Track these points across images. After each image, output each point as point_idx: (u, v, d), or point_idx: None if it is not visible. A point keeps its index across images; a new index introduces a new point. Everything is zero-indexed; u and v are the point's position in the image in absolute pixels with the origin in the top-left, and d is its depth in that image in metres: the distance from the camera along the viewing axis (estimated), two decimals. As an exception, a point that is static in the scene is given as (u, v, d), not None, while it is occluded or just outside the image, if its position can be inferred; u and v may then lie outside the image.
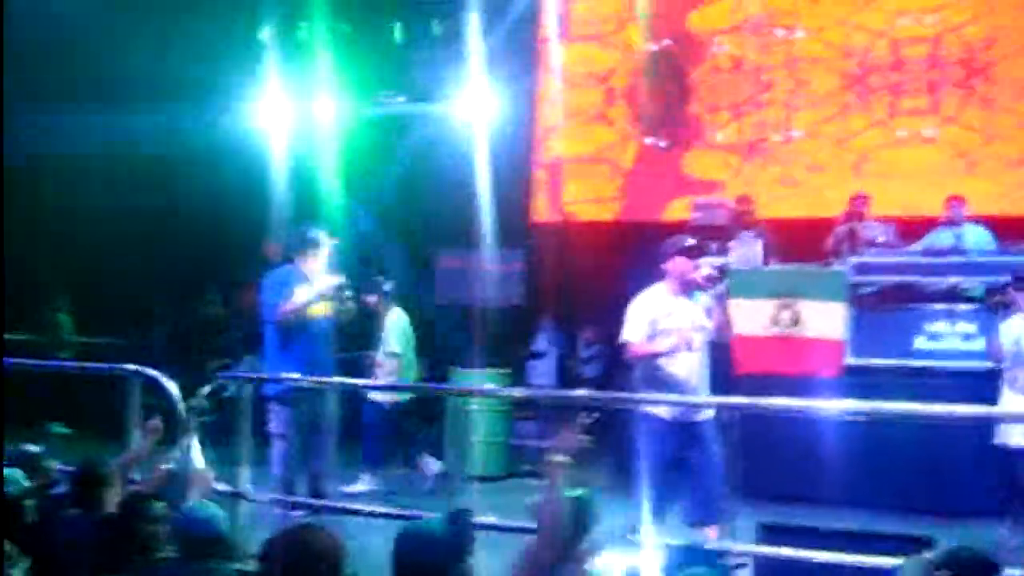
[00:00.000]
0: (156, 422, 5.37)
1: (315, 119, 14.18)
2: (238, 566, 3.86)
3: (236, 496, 5.59)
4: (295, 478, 6.87)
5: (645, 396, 5.70)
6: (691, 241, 5.97)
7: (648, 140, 13.28)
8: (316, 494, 6.86)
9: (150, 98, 12.51)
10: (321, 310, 6.91)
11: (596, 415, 3.84)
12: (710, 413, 5.58)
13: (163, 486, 4.89)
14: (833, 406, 6.24)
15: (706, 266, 5.96)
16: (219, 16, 13.19)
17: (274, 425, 6.88)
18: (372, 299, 8.78)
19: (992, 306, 6.32)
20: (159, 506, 3.97)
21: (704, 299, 5.88)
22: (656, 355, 5.68)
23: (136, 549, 3.91)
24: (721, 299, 6.19)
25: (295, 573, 2.83)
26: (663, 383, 5.66)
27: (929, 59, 12.04)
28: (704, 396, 5.72)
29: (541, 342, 12.43)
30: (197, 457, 5.58)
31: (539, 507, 3.47)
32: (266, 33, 13.97)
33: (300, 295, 6.81)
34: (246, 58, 13.87)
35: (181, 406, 5.93)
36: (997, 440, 6.44)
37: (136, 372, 6.16)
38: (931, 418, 6.01)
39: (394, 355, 8.76)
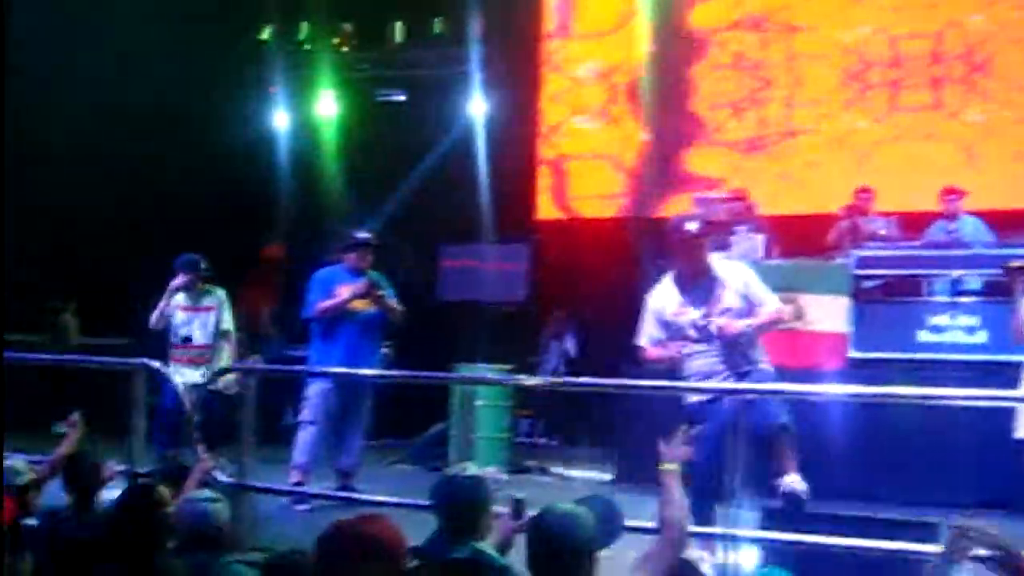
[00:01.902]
0: (74, 417, 5.38)
1: (316, 118, 14.25)
2: (240, 557, 3.86)
3: (241, 488, 5.59)
4: (312, 468, 7.13)
5: (647, 383, 5.62)
6: (692, 225, 5.55)
7: (649, 137, 13.30)
8: (343, 487, 7.00)
9: (154, 97, 12.53)
10: (363, 306, 7.14)
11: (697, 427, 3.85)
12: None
13: (55, 473, 4.89)
14: (843, 391, 6.21)
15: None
16: (220, 17, 13.22)
17: (304, 413, 7.21)
18: None
19: (1010, 274, 5.90)
20: (164, 492, 3.97)
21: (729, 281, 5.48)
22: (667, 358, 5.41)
23: (145, 540, 3.89)
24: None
25: (353, 563, 2.82)
26: (685, 379, 5.41)
27: (930, 55, 12.06)
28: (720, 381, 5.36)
29: (545, 342, 12.47)
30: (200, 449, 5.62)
31: (661, 512, 3.53)
32: (267, 33, 14.04)
33: (341, 293, 7.11)
34: (248, 58, 13.94)
35: (185, 399, 5.94)
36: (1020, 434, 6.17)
37: (142, 366, 6.17)
38: (940, 404, 6.05)
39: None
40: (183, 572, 3.71)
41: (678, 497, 3.59)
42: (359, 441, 7.35)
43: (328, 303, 7.17)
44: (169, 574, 3.71)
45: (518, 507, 3.78)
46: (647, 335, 5.56)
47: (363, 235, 7.48)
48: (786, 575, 3.00)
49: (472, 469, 3.84)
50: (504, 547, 3.68)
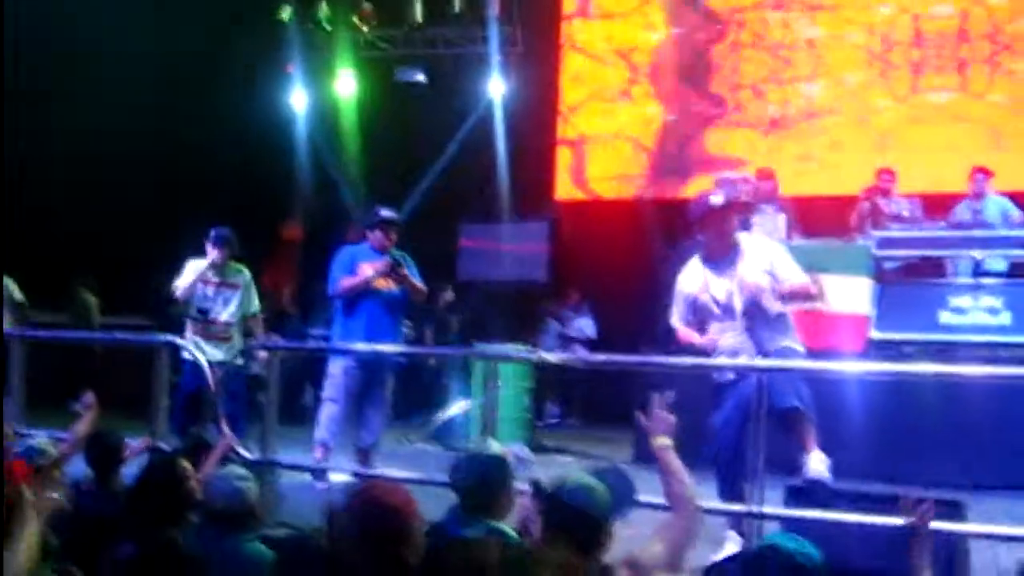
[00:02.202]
0: (89, 397, 5.36)
1: (335, 98, 14.25)
2: (266, 533, 3.87)
3: (266, 464, 5.61)
4: (333, 443, 7.13)
5: (662, 359, 5.55)
6: (717, 199, 5.43)
7: (671, 118, 13.26)
8: (363, 465, 7.02)
9: (172, 79, 12.55)
10: (385, 284, 7.16)
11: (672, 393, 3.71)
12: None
13: (75, 451, 4.90)
14: (863, 367, 6.15)
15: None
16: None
17: (327, 390, 7.21)
18: None
19: None
20: (187, 466, 3.98)
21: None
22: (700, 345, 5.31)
23: (166, 514, 3.89)
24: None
25: (367, 529, 2.81)
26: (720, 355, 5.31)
27: (955, 34, 11.98)
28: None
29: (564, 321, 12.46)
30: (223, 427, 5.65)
31: (668, 488, 3.47)
32: (285, 12, 14.01)
33: (364, 271, 7.11)
34: (267, 38, 13.92)
35: (209, 377, 5.97)
36: None
37: (165, 343, 6.19)
38: (961, 385, 6.02)
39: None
40: (201, 549, 3.70)
41: (679, 469, 3.50)
42: (380, 419, 7.35)
43: (351, 281, 7.16)
44: (186, 551, 3.71)
45: (539, 489, 3.73)
46: (679, 316, 5.49)
47: (387, 213, 7.42)
48: (793, 539, 2.99)
49: (494, 447, 3.80)
50: (524, 528, 3.59)
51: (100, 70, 12.23)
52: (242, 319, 7.68)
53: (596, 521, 3.10)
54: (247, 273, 7.77)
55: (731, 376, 5.27)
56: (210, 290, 7.57)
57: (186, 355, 7.03)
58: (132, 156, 12.72)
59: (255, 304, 7.79)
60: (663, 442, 3.56)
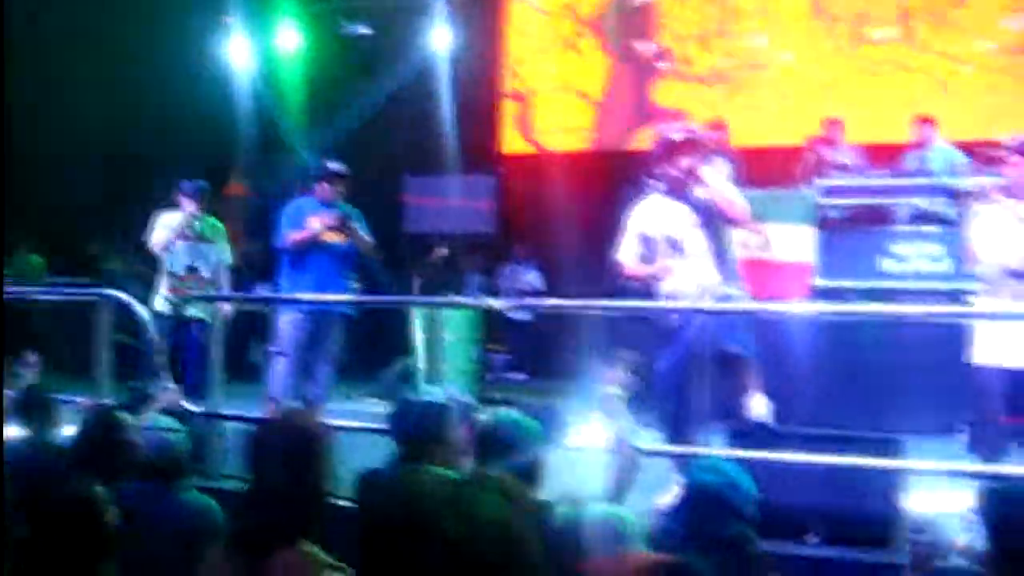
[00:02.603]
0: (32, 357, 5.31)
1: (278, 51, 14.05)
2: (208, 484, 3.85)
3: (211, 417, 5.59)
4: (284, 398, 7.06)
5: (607, 302, 5.53)
6: (677, 135, 5.40)
7: (617, 69, 13.24)
8: None
9: (103, 30, 12.25)
10: (334, 238, 7.10)
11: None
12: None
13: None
14: (804, 309, 6.22)
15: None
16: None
17: (275, 345, 7.19)
18: None
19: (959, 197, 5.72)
20: (126, 419, 3.95)
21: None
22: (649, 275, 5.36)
23: (106, 467, 3.86)
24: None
25: (280, 457, 2.80)
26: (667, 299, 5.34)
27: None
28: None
29: (503, 276, 12.48)
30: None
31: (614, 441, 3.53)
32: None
33: (312, 224, 7.04)
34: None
35: (152, 330, 5.92)
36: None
37: (106, 296, 6.11)
38: (901, 330, 6.11)
39: None
40: (137, 502, 3.67)
41: (623, 426, 3.60)
42: (327, 372, 7.33)
43: (299, 234, 7.08)
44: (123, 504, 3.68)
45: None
46: (628, 252, 5.47)
47: (334, 165, 7.33)
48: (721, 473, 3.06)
49: (436, 395, 3.79)
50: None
51: (28, 38, 11.89)
52: (218, 272, 7.69)
53: (527, 452, 3.14)
54: (221, 227, 7.75)
55: (676, 321, 5.27)
56: (186, 245, 7.56)
57: (161, 309, 7.06)
58: (63, 114, 12.39)
59: (228, 257, 7.80)
60: (614, 392, 3.67)
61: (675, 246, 5.35)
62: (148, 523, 3.47)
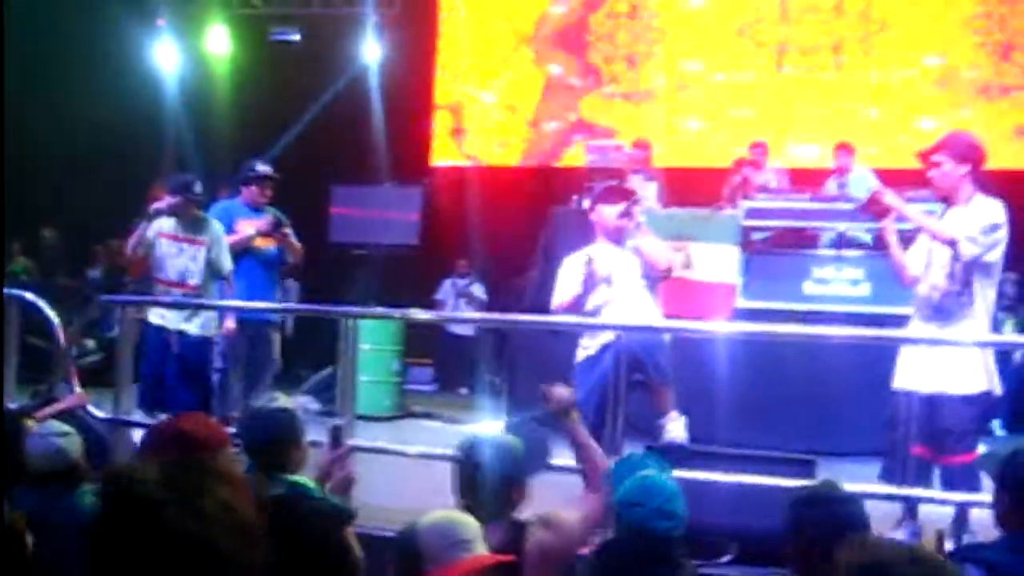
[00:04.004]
0: None
1: (207, 55, 13.86)
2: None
3: (120, 423, 5.43)
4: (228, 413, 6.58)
5: (534, 318, 5.52)
6: (608, 184, 5.84)
7: (548, 85, 13.29)
8: None
9: (31, 31, 11.95)
10: (264, 243, 6.87)
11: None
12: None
13: None
14: (723, 328, 6.27)
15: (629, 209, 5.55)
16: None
17: (215, 359, 6.80)
18: None
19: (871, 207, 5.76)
20: (23, 424, 3.82)
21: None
22: (579, 308, 5.40)
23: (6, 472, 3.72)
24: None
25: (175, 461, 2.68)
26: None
27: (831, 10, 12.25)
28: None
29: (443, 291, 12.39)
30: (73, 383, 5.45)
31: (583, 463, 3.49)
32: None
33: (242, 228, 6.80)
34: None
35: (60, 332, 5.75)
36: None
37: (13, 297, 5.92)
38: (821, 353, 6.14)
39: None
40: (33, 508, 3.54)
41: (591, 443, 3.59)
42: (264, 381, 6.97)
43: (231, 239, 6.75)
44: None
45: (336, 435, 3.59)
46: (566, 293, 5.49)
47: (263, 168, 7.09)
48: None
49: (281, 401, 3.64)
50: (324, 478, 3.48)
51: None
52: (210, 280, 6.66)
53: (506, 477, 3.16)
54: (217, 227, 6.72)
55: (592, 351, 5.37)
56: (174, 247, 6.55)
57: (154, 320, 6.47)
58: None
59: (226, 263, 6.70)
60: (572, 416, 3.60)
61: (607, 281, 5.43)
62: (42, 528, 3.33)
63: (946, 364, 4.76)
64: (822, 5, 12.28)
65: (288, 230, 6.96)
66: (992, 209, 4.76)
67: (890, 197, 5.12)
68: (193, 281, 6.55)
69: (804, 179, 10.16)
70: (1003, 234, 4.76)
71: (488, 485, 3.15)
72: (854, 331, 5.63)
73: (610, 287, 5.41)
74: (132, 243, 6.53)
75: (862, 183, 9.56)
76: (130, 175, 12.57)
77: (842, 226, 8.67)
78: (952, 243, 4.73)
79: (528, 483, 3.23)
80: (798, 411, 7.64)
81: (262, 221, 6.88)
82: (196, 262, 6.55)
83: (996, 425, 8.93)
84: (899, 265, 5.06)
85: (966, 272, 4.75)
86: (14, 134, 12.21)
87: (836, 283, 8.44)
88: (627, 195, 5.72)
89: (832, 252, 8.65)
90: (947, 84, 11.88)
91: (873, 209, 5.14)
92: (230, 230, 6.87)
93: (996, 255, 4.78)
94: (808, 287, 8.48)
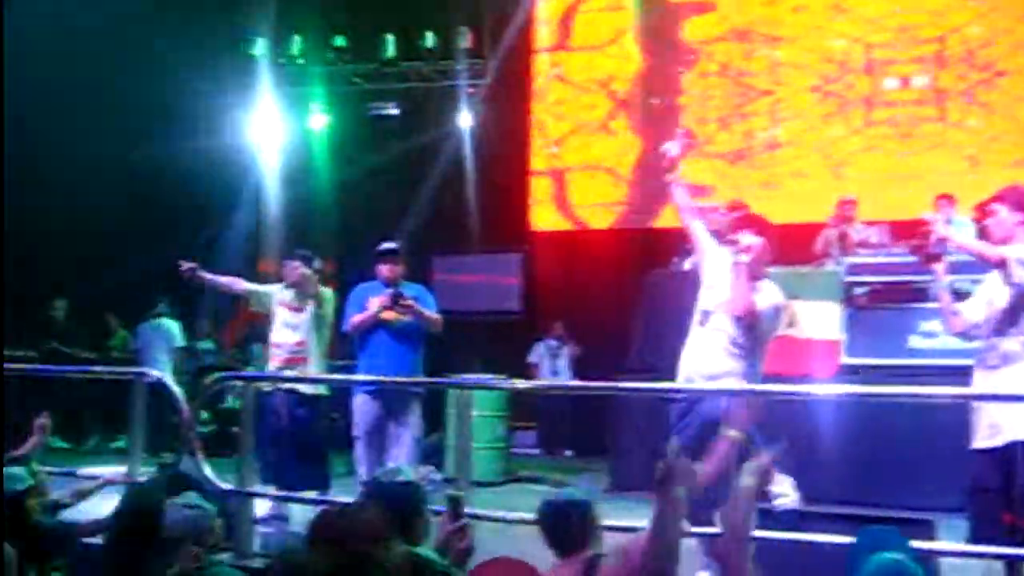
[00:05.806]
0: (41, 420, 5.36)
1: (309, 132, 14.32)
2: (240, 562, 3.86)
3: (238, 494, 5.61)
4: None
5: (632, 384, 5.55)
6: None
7: (645, 148, 13.44)
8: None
9: (140, 111, 12.42)
10: (394, 316, 7.09)
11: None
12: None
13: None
14: (828, 390, 6.19)
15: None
16: (212, 31, 13.22)
17: (354, 426, 7.10)
18: None
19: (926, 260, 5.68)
20: (161, 498, 4.01)
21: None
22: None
23: (137, 546, 3.88)
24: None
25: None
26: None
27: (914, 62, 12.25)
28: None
29: (536, 353, 12.50)
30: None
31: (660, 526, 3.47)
32: (259, 47, 14.08)
33: (372, 305, 7.07)
34: (239, 72, 13.96)
35: (186, 409, 5.98)
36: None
37: (140, 375, 6.19)
38: (930, 409, 6.07)
39: None
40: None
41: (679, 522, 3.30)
42: (403, 454, 6.98)
43: (360, 316, 7.13)
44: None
45: (455, 506, 3.64)
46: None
47: (385, 245, 7.32)
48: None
49: (405, 473, 3.72)
50: (444, 548, 3.54)
51: (66, 116, 11.88)
52: (314, 332, 7.46)
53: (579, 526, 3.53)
54: (325, 291, 7.56)
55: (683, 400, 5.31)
56: (291, 316, 7.48)
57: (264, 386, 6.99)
58: (103, 190, 12.49)
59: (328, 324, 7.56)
60: (678, 493, 3.24)
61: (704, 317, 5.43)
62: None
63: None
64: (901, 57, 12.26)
65: (410, 301, 7.10)
66: None
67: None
68: (298, 336, 7.36)
69: (905, 232, 10.07)
70: None
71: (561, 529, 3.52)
72: (954, 390, 5.43)
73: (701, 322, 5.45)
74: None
75: (965, 235, 9.46)
76: (237, 251, 13.01)
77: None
78: (1002, 263, 4.69)
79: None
80: (908, 467, 7.55)
81: (383, 296, 7.09)
82: (302, 324, 7.43)
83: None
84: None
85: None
86: (131, 223, 12.72)
87: (943, 336, 8.33)
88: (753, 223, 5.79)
89: (937, 305, 8.53)
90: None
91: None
92: (362, 308, 7.13)
93: None
94: (914, 341, 8.39)
